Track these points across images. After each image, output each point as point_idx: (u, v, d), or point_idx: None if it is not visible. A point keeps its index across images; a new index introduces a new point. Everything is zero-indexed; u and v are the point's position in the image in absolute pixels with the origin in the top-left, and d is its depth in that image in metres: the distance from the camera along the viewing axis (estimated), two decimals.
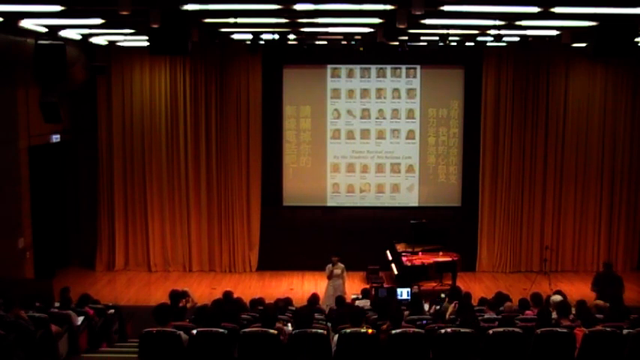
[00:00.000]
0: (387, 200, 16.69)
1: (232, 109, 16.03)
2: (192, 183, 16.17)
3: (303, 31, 12.20)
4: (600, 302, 9.43)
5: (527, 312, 9.54)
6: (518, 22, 10.68)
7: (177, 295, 9.67)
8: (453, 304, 9.64)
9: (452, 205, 16.70)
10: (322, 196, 16.67)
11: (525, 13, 9.63)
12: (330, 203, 16.71)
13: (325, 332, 7.51)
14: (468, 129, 16.42)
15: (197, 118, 16.04)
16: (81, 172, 16.59)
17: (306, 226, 16.57)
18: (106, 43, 14.15)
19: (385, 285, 13.89)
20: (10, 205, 13.41)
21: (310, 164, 16.60)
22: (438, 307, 10.47)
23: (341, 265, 13.25)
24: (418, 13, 8.22)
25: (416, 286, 12.96)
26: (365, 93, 16.40)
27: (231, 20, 10.67)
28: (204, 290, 14.70)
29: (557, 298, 9.77)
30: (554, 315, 8.45)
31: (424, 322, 8.77)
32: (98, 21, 10.45)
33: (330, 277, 13.21)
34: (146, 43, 11.16)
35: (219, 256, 16.43)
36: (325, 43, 14.02)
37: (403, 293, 12.78)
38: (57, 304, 9.73)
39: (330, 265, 13.23)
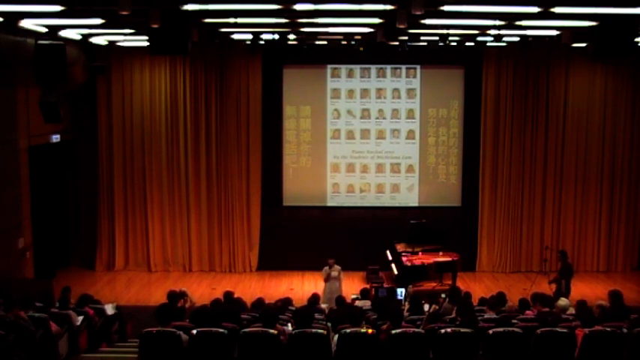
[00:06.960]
0: (387, 200, 16.69)
1: (232, 109, 16.03)
2: (193, 183, 16.16)
3: (303, 31, 12.20)
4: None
5: (528, 312, 9.54)
6: (518, 22, 10.69)
7: (175, 296, 9.66)
8: (454, 309, 9.60)
9: (452, 205, 16.69)
10: (322, 196, 16.66)
11: (525, 13, 9.64)
12: (330, 203, 16.70)
13: (325, 332, 7.51)
14: (468, 129, 16.41)
15: (197, 118, 16.04)
16: (81, 172, 16.57)
17: (306, 226, 16.56)
18: (106, 43, 14.17)
19: (385, 285, 13.90)
20: (10, 205, 13.40)
21: (310, 164, 16.59)
22: (437, 307, 10.45)
23: (337, 267, 13.22)
24: (418, 13, 8.22)
25: (410, 286, 12.91)
26: (365, 93, 16.39)
27: (231, 20, 10.68)
28: (204, 290, 14.70)
29: (564, 302, 9.76)
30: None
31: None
32: (98, 21, 10.46)
33: (327, 279, 13.17)
34: (146, 43, 11.15)
35: (219, 256, 16.42)
36: (325, 43, 14.02)
37: (403, 293, 12.78)
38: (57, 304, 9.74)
39: (326, 268, 13.19)
